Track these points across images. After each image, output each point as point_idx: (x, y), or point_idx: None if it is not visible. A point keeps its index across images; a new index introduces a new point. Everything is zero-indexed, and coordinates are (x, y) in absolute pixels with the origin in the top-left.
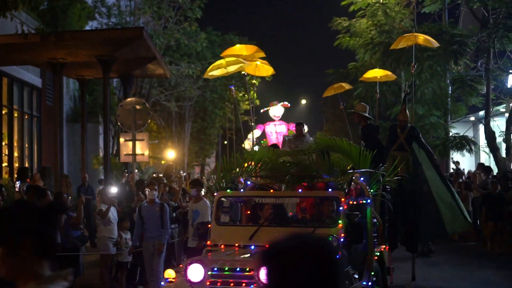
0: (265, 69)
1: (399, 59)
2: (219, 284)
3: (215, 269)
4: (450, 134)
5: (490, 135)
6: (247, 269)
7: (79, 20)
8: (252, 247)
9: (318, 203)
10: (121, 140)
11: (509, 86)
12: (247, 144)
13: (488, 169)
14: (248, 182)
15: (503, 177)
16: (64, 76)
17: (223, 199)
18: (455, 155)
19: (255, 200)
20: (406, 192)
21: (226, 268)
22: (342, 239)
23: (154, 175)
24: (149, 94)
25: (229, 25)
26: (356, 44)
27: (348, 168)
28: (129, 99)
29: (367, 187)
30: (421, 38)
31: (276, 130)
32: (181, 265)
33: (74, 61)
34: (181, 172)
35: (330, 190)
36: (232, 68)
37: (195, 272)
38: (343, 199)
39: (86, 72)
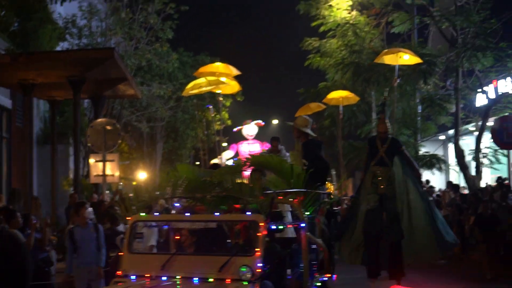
0: (232, 86)
1: (369, 78)
2: None
3: None
4: (420, 152)
5: (459, 154)
6: None
7: (50, 41)
8: (164, 277)
9: (246, 228)
10: (91, 161)
11: (477, 105)
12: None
13: (456, 187)
14: (176, 204)
15: (473, 195)
16: (35, 97)
17: (137, 223)
18: (425, 174)
19: (170, 225)
20: (389, 210)
21: None
22: (259, 270)
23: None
24: (120, 115)
25: (201, 46)
26: (326, 64)
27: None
28: (99, 120)
29: (301, 210)
30: (404, 57)
31: (250, 149)
32: None
33: (44, 82)
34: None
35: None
36: (208, 87)
37: None
38: (261, 224)
39: (57, 93)
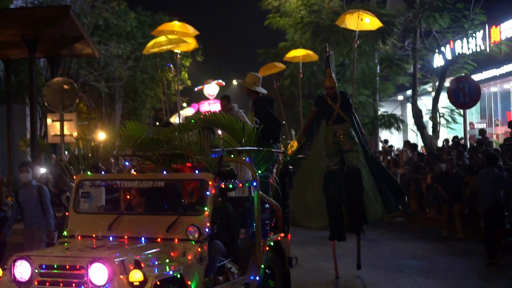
0: (189, 44)
1: (328, 38)
2: (47, 284)
3: (44, 266)
4: (379, 112)
5: (417, 114)
6: (77, 267)
7: None
8: (111, 238)
9: (196, 187)
10: (49, 120)
11: (435, 65)
12: (175, 120)
13: (414, 146)
14: (126, 163)
15: (430, 154)
16: None
17: (83, 182)
18: (384, 133)
19: (118, 184)
20: (351, 168)
21: (56, 266)
22: (207, 229)
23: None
24: (77, 75)
25: (159, 5)
26: (286, 23)
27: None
28: (56, 79)
29: (254, 169)
30: (365, 20)
31: (211, 109)
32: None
33: None
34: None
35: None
36: (169, 46)
37: (22, 269)
38: (211, 182)
39: (11, 52)
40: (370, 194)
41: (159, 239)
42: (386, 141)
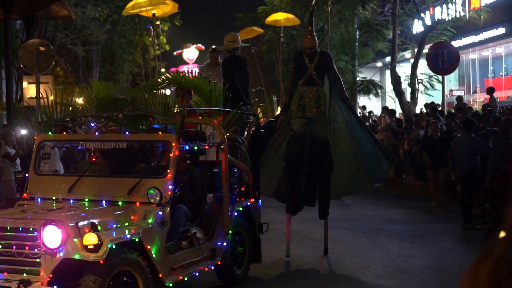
0: (170, 7)
1: (308, 3)
2: (0, 246)
3: None
4: (357, 78)
5: (395, 80)
6: (30, 229)
7: None
8: (71, 200)
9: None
10: (24, 83)
11: (414, 31)
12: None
13: (392, 112)
14: (92, 124)
15: (408, 120)
16: None
17: (44, 143)
18: (362, 99)
19: (80, 145)
20: (317, 138)
21: (9, 228)
22: (169, 192)
23: None
24: (54, 37)
25: None
26: None
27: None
28: (32, 41)
29: (222, 130)
30: None
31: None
32: None
33: None
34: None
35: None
36: (149, 7)
37: None
38: (174, 144)
39: None
40: (353, 168)
41: (120, 202)
42: (364, 107)
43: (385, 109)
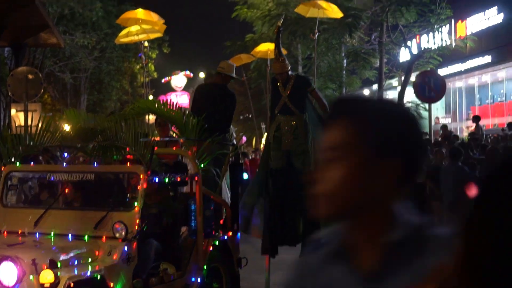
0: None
1: (295, 32)
2: None
3: None
4: None
5: None
6: None
7: None
8: (37, 234)
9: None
10: (13, 111)
11: (401, 60)
12: None
13: None
14: (65, 154)
15: None
16: None
17: (13, 174)
18: None
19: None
20: (298, 171)
21: None
22: (136, 226)
23: None
24: (42, 65)
25: None
26: (253, 16)
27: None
28: (20, 68)
29: (196, 161)
30: (325, 10)
31: (178, 101)
32: None
33: None
34: None
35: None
36: (141, 36)
37: None
38: (142, 176)
39: None
40: None
41: (86, 237)
42: None
43: None
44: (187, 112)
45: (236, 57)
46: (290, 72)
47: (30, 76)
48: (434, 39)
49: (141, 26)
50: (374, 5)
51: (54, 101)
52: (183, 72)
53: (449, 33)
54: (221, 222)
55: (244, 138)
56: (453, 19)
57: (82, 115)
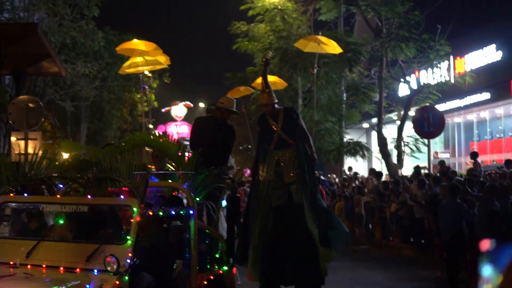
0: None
1: (296, 65)
2: None
3: None
4: (344, 139)
5: (382, 142)
6: None
7: None
8: (29, 266)
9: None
10: (13, 139)
11: (400, 94)
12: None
13: (379, 174)
14: (61, 185)
15: (394, 182)
16: None
17: (6, 204)
18: (349, 160)
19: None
20: (295, 205)
21: None
22: (128, 260)
23: None
24: (43, 93)
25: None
26: (254, 48)
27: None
28: (21, 97)
29: (191, 195)
30: (325, 45)
31: (178, 131)
32: None
33: None
34: None
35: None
36: (145, 67)
37: None
38: (135, 209)
39: None
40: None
41: (78, 270)
42: (350, 168)
43: (372, 171)
44: (182, 145)
45: (235, 89)
46: (276, 106)
47: (31, 105)
48: (433, 75)
49: (145, 58)
50: (374, 40)
51: (54, 129)
52: (183, 102)
53: (448, 69)
54: (217, 256)
55: (248, 171)
56: (451, 56)
57: (77, 146)
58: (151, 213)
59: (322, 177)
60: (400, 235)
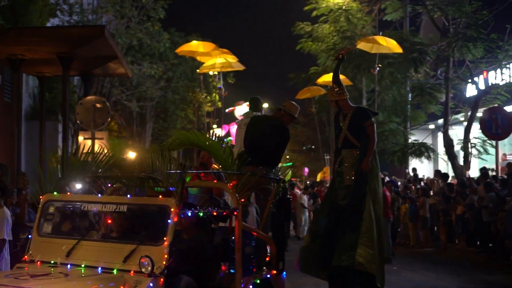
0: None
1: (359, 65)
2: None
3: None
4: (409, 141)
5: (448, 143)
6: None
7: (40, 17)
8: (69, 266)
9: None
10: (80, 138)
11: (467, 95)
12: None
13: (445, 176)
14: (109, 185)
15: (460, 184)
16: (23, 73)
17: (50, 203)
18: (414, 162)
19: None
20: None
21: None
22: (164, 261)
23: None
24: (110, 93)
25: (193, 27)
26: (318, 49)
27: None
28: (89, 97)
29: (236, 195)
30: (385, 45)
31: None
32: None
33: (33, 57)
34: None
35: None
36: (219, 66)
37: None
38: (173, 209)
39: (46, 69)
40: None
41: (115, 270)
42: (414, 170)
43: (438, 172)
44: (229, 144)
45: (305, 89)
46: (350, 103)
47: (98, 105)
48: (502, 75)
49: (226, 59)
50: (441, 41)
51: (120, 128)
52: (247, 103)
53: None
54: (267, 259)
55: (306, 170)
56: None
57: (125, 145)
58: (190, 214)
59: (387, 178)
60: (466, 238)
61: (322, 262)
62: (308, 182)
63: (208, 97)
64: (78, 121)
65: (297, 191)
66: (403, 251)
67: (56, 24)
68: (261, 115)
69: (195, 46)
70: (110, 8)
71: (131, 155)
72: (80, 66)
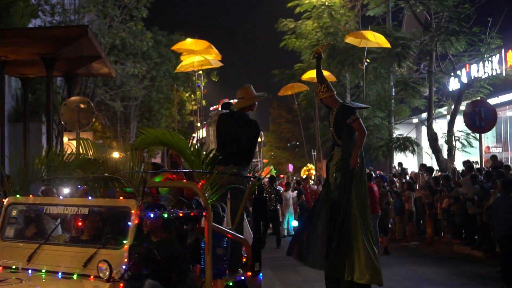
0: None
1: (344, 61)
2: None
3: None
4: (394, 135)
5: (432, 137)
6: None
7: (22, 17)
8: (30, 271)
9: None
10: (65, 139)
11: (450, 89)
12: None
13: (431, 169)
14: (79, 186)
15: (445, 177)
16: (6, 75)
17: (13, 206)
18: (398, 156)
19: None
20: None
21: None
22: (123, 266)
23: None
24: (93, 94)
25: (175, 25)
26: (302, 45)
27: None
28: (73, 98)
29: (205, 195)
30: (373, 41)
31: None
32: None
33: (16, 59)
34: None
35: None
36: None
37: None
38: (133, 211)
39: (29, 70)
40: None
41: (75, 275)
42: (400, 164)
43: (423, 166)
44: (198, 142)
45: (289, 85)
46: (338, 99)
47: (82, 106)
48: (484, 68)
49: (204, 57)
50: (423, 35)
51: (104, 129)
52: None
53: (500, 62)
54: (243, 260)
55: (291, 166)
56: (503, 49)
57: (94, 145)
58: (152, 216)
59: (375, 172)
60: (452, 231)
61: (317, 254)
62: (294, 178)
63: (192, 96)
64: (62, 122)
65: (280, 187)
66: (390, 245)
67: (38, 24)
68: (226, 112)
69: (189, 44)
70: (92, 7)
71: (115, 155)
72: (64, 66)
